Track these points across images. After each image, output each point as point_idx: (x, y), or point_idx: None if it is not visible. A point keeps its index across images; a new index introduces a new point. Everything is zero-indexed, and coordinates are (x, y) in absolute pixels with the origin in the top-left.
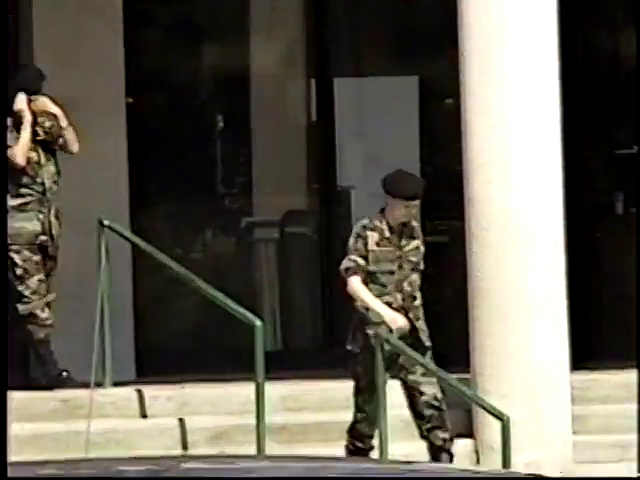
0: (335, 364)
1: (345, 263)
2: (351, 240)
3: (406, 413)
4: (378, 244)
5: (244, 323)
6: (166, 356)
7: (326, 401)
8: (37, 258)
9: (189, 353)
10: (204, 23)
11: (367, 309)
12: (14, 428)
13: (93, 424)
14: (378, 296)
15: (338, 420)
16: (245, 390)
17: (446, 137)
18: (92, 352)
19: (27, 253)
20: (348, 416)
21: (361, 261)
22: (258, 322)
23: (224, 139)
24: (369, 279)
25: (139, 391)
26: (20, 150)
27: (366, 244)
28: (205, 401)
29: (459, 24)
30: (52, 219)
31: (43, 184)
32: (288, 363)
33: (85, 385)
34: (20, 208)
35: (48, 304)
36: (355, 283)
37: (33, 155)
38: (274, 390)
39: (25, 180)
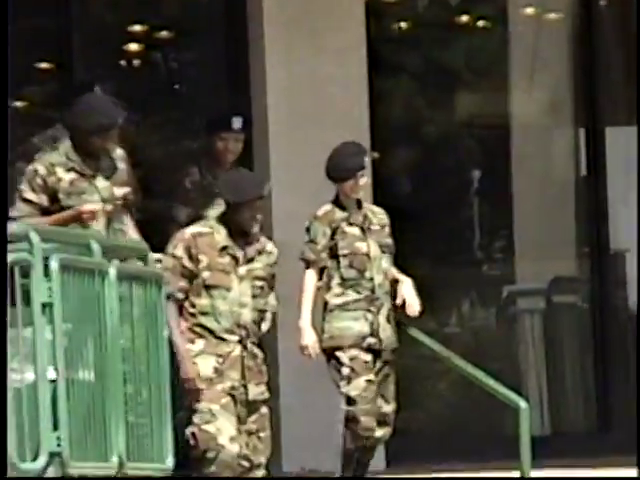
0: (611, 450)
1: None
2: None
3: None
4: None
5: (507, 405)
6: (418, 440)
7: None
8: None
9: (444, 437)
10: (458, 69)
11: None
12: None
13: None
14: None
15: None
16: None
17: None
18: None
19: (354, 351)
20: None
21: None
22: (523, 403)
23: (481, 198)
24: None
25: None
26: None
27: None
28: None
29: None
30: (381, 320)
31: (372, 279)
32: (557, 449)
33: None
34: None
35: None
36: None
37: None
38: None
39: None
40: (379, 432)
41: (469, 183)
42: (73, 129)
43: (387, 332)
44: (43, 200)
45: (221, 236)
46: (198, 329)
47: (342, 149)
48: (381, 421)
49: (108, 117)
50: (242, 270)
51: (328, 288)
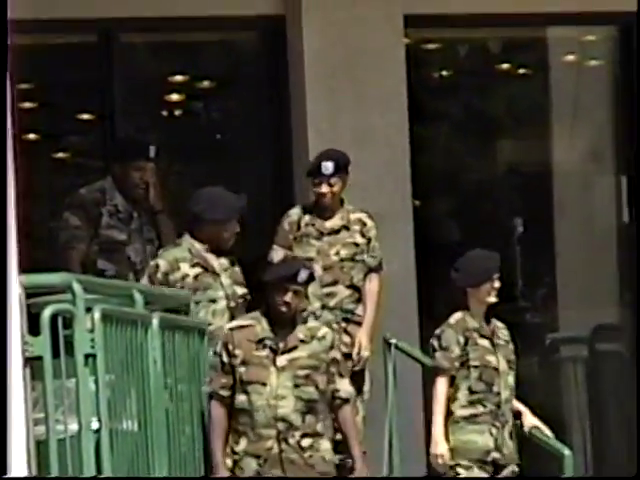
0: None
1: None
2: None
3: None
4: None
5: (551, 452)
6: None
7: None
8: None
9: None
10: (499, 116)
11: None
12: None
13: None
14: None
15: None
16: None
17: None
18: None
19: (476, 470)
20: None
21: None
22: (567, 451)
23: (524, 245)
24: None
25: None
26: None
27: None
28: None
29: None
30: (505, 435)
31: (499, 394)
32: None
33: None
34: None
35: None
36: None
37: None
38: None
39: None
40: None
41: (511, 231)
42: (197, 222)
43: (510, 449)
44: None
45: (261, 327)
46: (240, 427)
47: (472, 255)
48: None
49: (231, 209)
50: (282, 361)
51: (454, 399)
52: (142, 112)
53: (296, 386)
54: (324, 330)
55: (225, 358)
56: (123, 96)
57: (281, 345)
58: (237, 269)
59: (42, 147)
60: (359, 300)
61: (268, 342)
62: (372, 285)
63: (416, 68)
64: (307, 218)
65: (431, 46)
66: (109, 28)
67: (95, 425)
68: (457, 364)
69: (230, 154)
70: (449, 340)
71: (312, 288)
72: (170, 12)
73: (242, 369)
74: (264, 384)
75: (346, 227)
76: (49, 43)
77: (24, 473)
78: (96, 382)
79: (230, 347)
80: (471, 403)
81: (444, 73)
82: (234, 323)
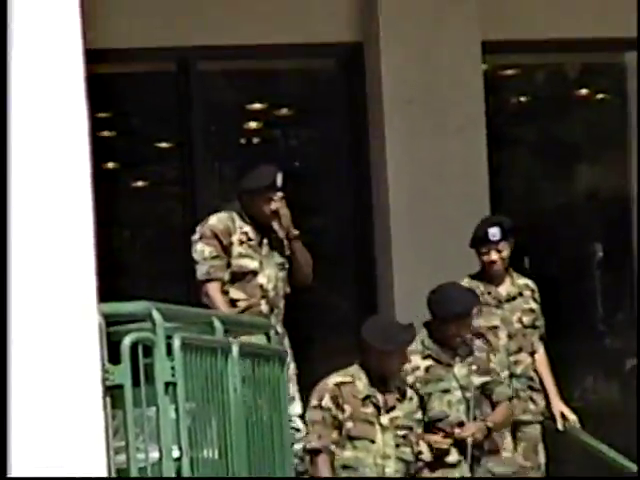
0: None
1: None
2: None
3: None
4: None
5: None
6: None
7: None
8: None
9: None
10: (576, 142)
11: None
12: None
13: None
14: None
15: None
16: None
17: None
18: None
19: None
20: None
21: None
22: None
23: (604, 271)
24: None
25: None
26: None
27: None
28: None
29: None
30: None
31: None
32: None
33: None
34: None
35: None
36: None
37: None
38: None
39: None
40: None
41: (591, 256)
42: (434, 317)
43: None
44: None
45: (362, 384)
46: None
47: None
48: None
49: (463, 305)
50: (385, 420)
51: None
52: (220, 140)
53: (397, 446)
54: (410, 392)
55: (335, 412)
56: (201, 124)
57: (381, 403)
58: (482, 355)
59: (121, 175)
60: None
61: (373, 400)
62: (542, 352)
63: (494, 94)
64: (482, 287)
65: (509, 72)
66: (187, 57)
67: (176, 453)
68: None
69: (308, 182)
70: None
71: (499, 357)
72: (248, 40)
73: (350, 424)
74: (372, 442)
75: (520, 293)
76: (128, 72)
77: None
78: (176, 410)
79: (340, 401)
80: None
81: (522, 99)
82: (334, 379)
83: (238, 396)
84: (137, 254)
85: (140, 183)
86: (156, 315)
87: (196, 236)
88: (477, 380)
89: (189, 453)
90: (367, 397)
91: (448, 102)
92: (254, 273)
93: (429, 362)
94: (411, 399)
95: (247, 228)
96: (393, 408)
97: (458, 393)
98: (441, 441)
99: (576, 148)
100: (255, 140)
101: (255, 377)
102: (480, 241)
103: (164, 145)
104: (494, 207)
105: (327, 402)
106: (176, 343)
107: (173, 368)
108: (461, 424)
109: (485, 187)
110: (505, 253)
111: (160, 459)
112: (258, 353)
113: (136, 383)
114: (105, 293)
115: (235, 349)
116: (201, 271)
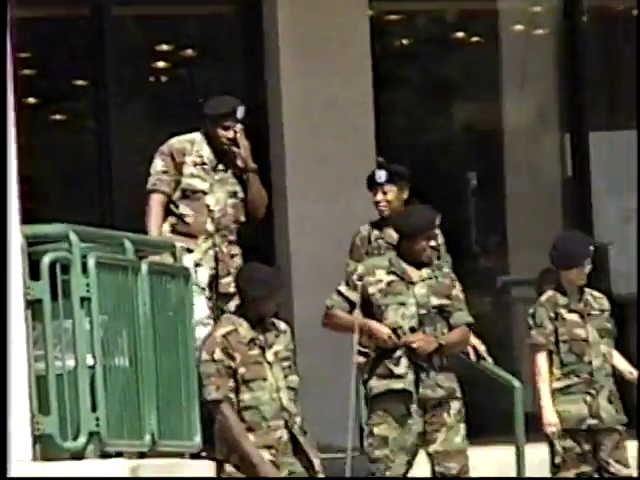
0: None
1: None
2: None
3: None
4: None
5: (503, 385)
6: None
7: None
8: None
9: None
10: (454, 80)
11: None
12: None
13: None
14: None
15: None
16: (505, 453)
17: None
18: None
19: (569, 441)
20: None
21: None
22: (517, 383)
23: (477, 198)
24: None
25: None
26: None
27: None
28: None
29: None
30: (601, 402)
31: (590, 363)
32: None
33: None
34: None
35: None
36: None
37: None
38: (534, 453)
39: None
40: None
41: (466, 185)
42: (402, 234)
43: (609, 412)
44: (354, 297)
45: (244, 329)
46: (247, 424)
47: (567, 237)
48: None
49: (426, 219)
50: (270, 356)
51: (550, 372)
52: (131, 79)
53: (285, 377)
54: (283, 325)
55: (227, 362)
56: (114, 64)
57: (264, 343)
58: (446, 282)
59: (41, 110)
60: None
61: (257, 342)
62: None
63: (379, 37)
64: (376, 232)
65: (393, 17)
66: (101, 2)
67: (90, 361)
68: (552, 339)
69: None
70: (541, 318)
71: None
72: None
73: (242, 369)
74: (265, 379)
75: None
76: (48, 16)
77: (26, 405)
78: (91, 322)
79: (230, 351)
80: (565, 375)
81: (405, 41)
82: (220, 331)
83: (147, 309)
84: (55, 181)
85: (58, 117)
86: (73, 236)
87: (157, 152)
88: (435, 301)
89: (102, 361)
90: (251, 340)
91: (337, 44)
92: (204, 193)
93: (392, 277)
94: (285, 332)
95: (205, 152)
96: (274, 344)
97: (413, 309)
98: (380, 329)
99: (454, 87)
100: (163, 79)
101: (162, 292)
102: (369, 182)
103: (80, 83)
104: (380, 143)
105: (219, 354)
106: (90, 262)
107: (88, 284)
108: (413, 331)
109: (370, 131)
110: (390, 195)
111: (76, 367)
112: (165, 271)
113: (54, 298)
114: (26, 216)
115: (144, 267)
116: (149, 182)
